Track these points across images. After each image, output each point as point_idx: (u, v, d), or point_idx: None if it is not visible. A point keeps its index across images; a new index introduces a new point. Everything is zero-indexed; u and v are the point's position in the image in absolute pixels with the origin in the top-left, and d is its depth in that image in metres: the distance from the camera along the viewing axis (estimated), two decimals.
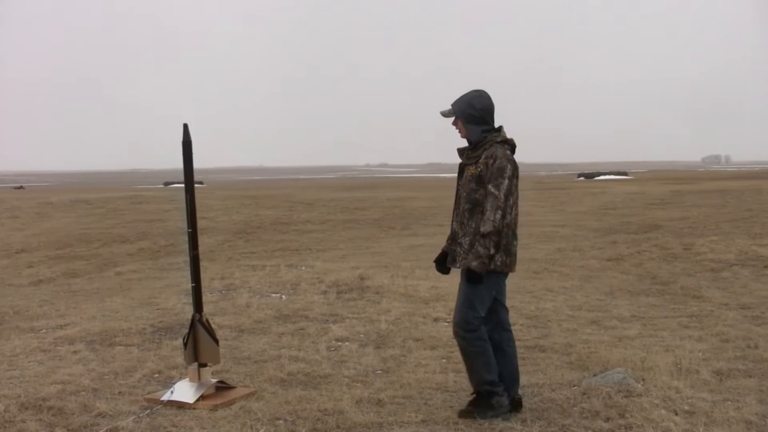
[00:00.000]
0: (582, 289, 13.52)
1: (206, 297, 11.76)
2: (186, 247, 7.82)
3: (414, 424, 6.41)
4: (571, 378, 7.57)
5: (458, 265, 6.59)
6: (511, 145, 6.62)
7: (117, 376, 8.12)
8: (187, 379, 7.41)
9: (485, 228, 6.28)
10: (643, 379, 7.30)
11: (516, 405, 6.67)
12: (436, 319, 10.59)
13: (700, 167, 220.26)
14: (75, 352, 9.30)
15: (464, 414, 6.62)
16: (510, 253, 6.51)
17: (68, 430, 6.49)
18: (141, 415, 6.80)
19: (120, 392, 7.54)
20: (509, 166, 6.42)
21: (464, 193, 6.57)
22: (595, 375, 7.56)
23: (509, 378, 6.69)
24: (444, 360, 8.54)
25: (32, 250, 22.98)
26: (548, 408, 6.67)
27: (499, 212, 6.28)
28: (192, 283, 7.52)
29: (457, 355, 8.59)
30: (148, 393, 7.47)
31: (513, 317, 10.60)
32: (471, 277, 6.36)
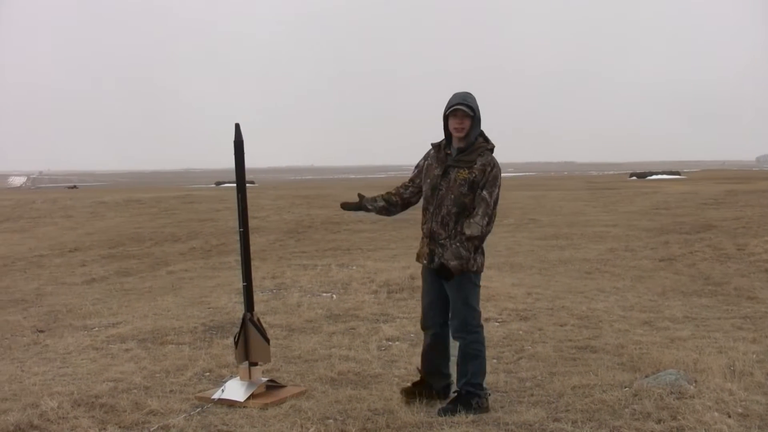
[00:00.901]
0: (634, 290, 13.41)
1: (257, 296, 11.81)
2: (237, 246, 7.87)
3: (464, 424, 6.39)
4: (623, 379, 7.50)
5: (434, 265, 6.80)
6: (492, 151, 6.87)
7: (168, 375, 8.19)
8: (238, 377, 7.45)
9: (472, 231, 6.54)
10: (696, 381, 7.22)
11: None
12: (486, 319, 10.54)
13: (755, 167, 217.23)
14: (127, 350, 9.39)
15: (445, 412, 6.71)
16: (484, 254, 6.82)
17: (120, 427, 6.56)
18: (192, 413, 6.85)
19: (171, 390, 7.60)
20: (500, 175, 6.72)
21: (452, 196, 6.70)
22: (646, 376, 7.49)
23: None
24: (494, 360, 8.50)
25: (85, 249, 23.21)
26: (599, 409, 6.63)
27: (487, 218, 6.57)
28: (243, 282, 7.56)
29: (508, 355, 8.59)
30: (199, 391, 7.52)
31: (564, 317, 10.58)
32: (445, 274, 6.65)
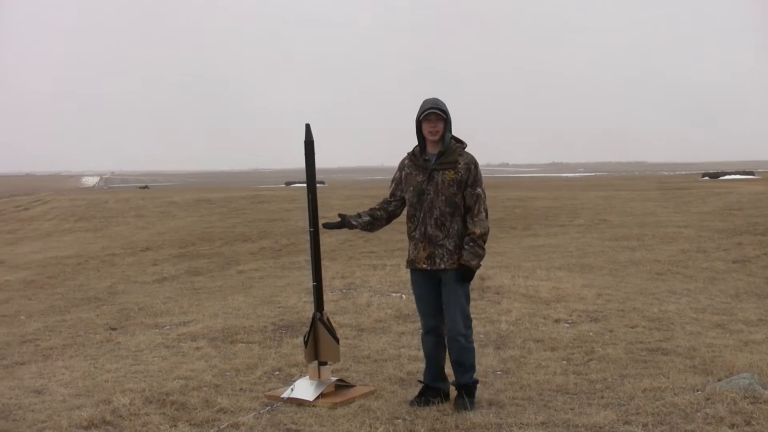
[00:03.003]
0: (706, 292, 13.20)
1: (327, 296, 11.86)
2: (307, 246, 7.91)
3: (534, 426, 6.36)
4: (695, 382, 7.40)
5: (443, 266, 6.97)
6: None
7: (238, 373, 8.26)
8: (307, 377, 7.50)
9: (481, 229, 6.91)
10: None
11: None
12: (557, 321, 10.49)
13: None
14: (197, 348, 9.49)
15: (462, 406, 6.86)
16: None
17: (190, 424, 6.64)
18: (261, 412, 6.91)
19: (241, 389, 7.68)
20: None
21: (442, 197, 6.92)
22: (719, 380, 7.38)
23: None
24: (564, 362, 8.45)
25: (157, 248, 23.51)
26: (671, 413, 6.55)
27: (485, 213, 6.93)
28: (313, 281, 7.60)
29: (578, 356, 8.52)
30: (269, 390, 7.58)
31: (635, 319, 10.46)
32: (469, 276, 7.01)
